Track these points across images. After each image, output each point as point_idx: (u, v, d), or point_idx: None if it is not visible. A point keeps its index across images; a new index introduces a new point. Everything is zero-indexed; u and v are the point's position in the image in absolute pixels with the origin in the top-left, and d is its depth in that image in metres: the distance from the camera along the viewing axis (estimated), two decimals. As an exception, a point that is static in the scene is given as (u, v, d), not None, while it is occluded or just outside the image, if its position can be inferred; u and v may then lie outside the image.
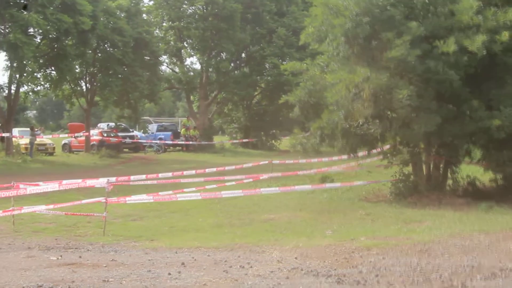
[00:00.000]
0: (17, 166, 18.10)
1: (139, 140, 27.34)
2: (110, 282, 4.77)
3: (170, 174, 11.47)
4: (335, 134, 10.77)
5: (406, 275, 4.82)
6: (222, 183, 10.94)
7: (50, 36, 19.74)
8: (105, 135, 25.72)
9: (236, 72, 29.83)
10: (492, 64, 9.72)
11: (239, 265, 5.38)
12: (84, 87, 24.75)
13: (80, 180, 9.50)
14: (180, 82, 29.10)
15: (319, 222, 8.47)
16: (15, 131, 22.96)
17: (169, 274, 5.03)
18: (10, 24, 17.98)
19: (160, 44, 26.67)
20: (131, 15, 23.66)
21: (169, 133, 28.54)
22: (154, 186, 10.61)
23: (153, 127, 30.02)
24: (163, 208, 9.96)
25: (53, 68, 21.57)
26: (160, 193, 9.37)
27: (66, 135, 26.56)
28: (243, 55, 30.40)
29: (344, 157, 12.82)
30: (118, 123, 28.06)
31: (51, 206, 8.09)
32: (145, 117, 32.61)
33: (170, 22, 28.22)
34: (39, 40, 20.17)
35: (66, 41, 20.26)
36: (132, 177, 10.50)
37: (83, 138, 24.40)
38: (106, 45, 23.27)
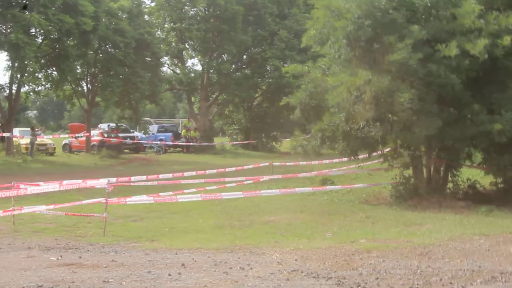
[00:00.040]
0: (17, 166, 18.11)
1: (140, 141, 27.36)
2: (110, 283, 4.77)
3: (170, 175, 11.48)
4: (336, 137, 10.81)
5: (406, 278, 4.82)
6: (222, 184, 10.94)
7: (52, 36, 19.78)
8: (105, 135, 25.74)
9: (237, 73, 29.86)
10: (494, 68, 9.74)
11: (239, 266, 5.38)
12: (85, 88, 24.79)
13: (80, 181, 9.51)
14: (181, 83, 29.12)
15: (319, 224, 8.47)
16: (16, 131, 23.00)
17: (169, 275, 5.04)
18: (11, 24, 18.02)
19: (161, 45, 26.72)
20: (133, 16, 23.71)
21: (170, 134, 28.56)
22: (155, 187, 10.61)
23: (153, 128, 30.04)
24: (163, 209, 9.97)
25: (54, 68, 21.62)
26: (160, 194, 9.38)
27: (67, 135, 26.58)
28: (245, 57, 30.43)
29: (345, 159, 12.83)
30: (119, 124, 28.07)
31: (52, 206, 8.10)
32: (145, 118, 32.63)
33: (172, 24, 28.27)
34: (40, 41, 20.22)
35: (68, 42, 20.31)
36: (132, 178, 10.51)
37: (84, 138, 24.42)
38: (107, 46, 23.32)
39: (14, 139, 20.79)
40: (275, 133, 30.85)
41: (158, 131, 29.11)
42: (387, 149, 11.56)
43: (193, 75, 29.35)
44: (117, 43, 22.12)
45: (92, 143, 24.38)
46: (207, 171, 12.39)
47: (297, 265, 5.43)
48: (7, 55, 18.89)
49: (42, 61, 20.99)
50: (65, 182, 9.48)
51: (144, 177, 10.69)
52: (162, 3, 27.92)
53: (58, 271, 5.29)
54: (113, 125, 29.49)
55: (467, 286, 4.52)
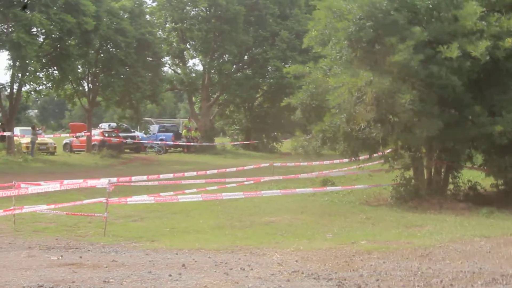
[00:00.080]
0: (18, 165, 18.13)
1: (140, 141, 27.37)
2: (110, 283, 4.78)
3: (171, 175, 11.48)
4: (337, 137, 10.80)
5: (406, 279, 4.82)
6: (223, 184, 10.94)
7: (53, 35, 19.79)
8: (106, 135, 25.75)
9: (238, 74, 29.87)
10: (495, 70, 9.74)
11: (240, 267, 5.38)
12: (86, 87, 24.80)
13: (81, 180, 9.51)
14: (182, 84, 29.14)
15: (320, 225, 8.47)
16: (17, 130, 23.00)
17: (170, 275, 5.04)
18: (13, 23, 18.04)
19: (162, 45, 26.71)
20: (134, 16, 23.72)
21: (171, 134, 28.57)
22: (155, 187, 10.61)
23: (154, 128, 30.06)
24: (164, 209, 9.97)
25: (55, 67, 21.62)
26: (161, 194, 9.39)
27: (68, 134, 26.59)
28: (246, 57, 30.43)
29: (346, 160, 12.83)
30: (120, 124, 28.08)
31: (52, 206, 8.10)
32: (146, 118, 32.64)
33: (173, 24, 28.28)
34: (42, 40, 20.22)
35: (69, 41, 20.32)
36: (133, 178, 10.52)
37: (85, 138, 24.43)
38: (109, 46, 23.32)
39: (14, 138, 20.80)
40: (275, 133, 30.85)
41: (159, 131, 29.13)
42: (388, 150, 11.56)
43: (194, 75, 29.36)
44: (118, 42, 22.12)
45: (92, 143, 24.39)
46: (208, 171, 12.40)
47: (298, 266, 5.43)
48: (8, 55, 18.94)
49: (43, 61, 21.00)
50: (65, 181, 9.49)
51: (144, 177, 10.70)
52: (164, 3, 27.94)
53: (58, 271, 5.29)
54: (114, 124, 29.50)
55: (467, 288, 4.51)
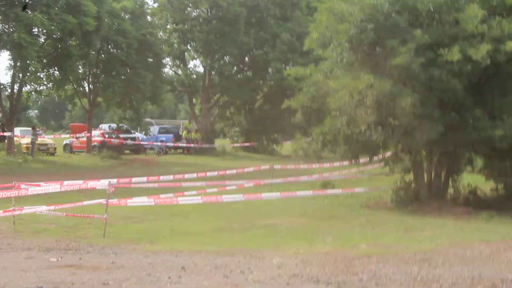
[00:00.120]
0: (18, 166, 18.14)
1: (141, 142, 27.36)
2: (110, 285, 4.77)
3: (171, 177, 11.48)
4: (337, 140, 10.81)
5: (406, 284, 4.82)
6: (223, 187, 10.94)
7: (54, 36, 19.82)
8: (106, 136, 25.75)
9: (239, 76, 29.89)
10: (496, 74, 9.75)
11: (239, 270, 5.38)
12: (86, 88, 24.82)
13: (81, 181, 9.52)
14: (183, 85, 29.17)
15: (319, 228, 8.46)
16: (17, 130, 23.01)
17: (169, 278, 5.04)
18: (14, 23, 18.07)
19: (163, 47, 26.76)
20: (135, 17, 23.77)
21: (171, 135, 28.55)
22: (155, 188, 10.61)
23: (154, 129, 30.05)
24: (164, 211, 9.97)
25: (56, 68, 21.64)
26: (161, 196, 9.40)
27: (68, 135, 26.60)
28: (246, 59, 30.44)
29: (346, 163, 12.82)
30: (120, 125, 28.09)
31: (52, 207, 8.11)
32: (147, 119, 32.64)
33: (174, 25, 28.30)
34: (43, 40, 20.26)
35: (70, 42, 20.35)
36: (133, 179, 10.52)
37: (85, 138, 24.43)
38: (109, 46, 23.36)
39: (15, 138, 20.81)
40: (276, 135, 30.84)
41: (159, 132, 29.11)
42: (388, 154, 11.56)
43: (194, 76, 29.41)
44: (119, 43, 22.16)
45: (93, 144, 24.39)
46: (208, 173, 12.40)
47: (297, 269, 5.43)
48: (9, 55, 18.97)
49: (44, 61, 21.00)
50: (65, 182, 9.51)
51: (144, 179, 10.72)
52: (165, 4, 27.99)
53: (58, 272, 5.29)
54: (114, 125, 29.51)
55: (467, 293, 4.51)
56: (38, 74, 21.13)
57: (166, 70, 29.52)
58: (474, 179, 11.68)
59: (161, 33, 28.26)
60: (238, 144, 30.14)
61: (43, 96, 26.90)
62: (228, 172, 13.09)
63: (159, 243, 7.17)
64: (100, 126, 32.43)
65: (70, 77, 22.22)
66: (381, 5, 9.72)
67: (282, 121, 28.04)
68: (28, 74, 19.69)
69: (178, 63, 30.25)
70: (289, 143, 23.48)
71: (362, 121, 9.90)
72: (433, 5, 9.78)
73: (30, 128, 24.05)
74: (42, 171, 17.22)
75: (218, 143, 30.94)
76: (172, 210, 10.00)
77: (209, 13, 27.55)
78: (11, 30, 18.44)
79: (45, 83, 22.76)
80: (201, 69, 31.12)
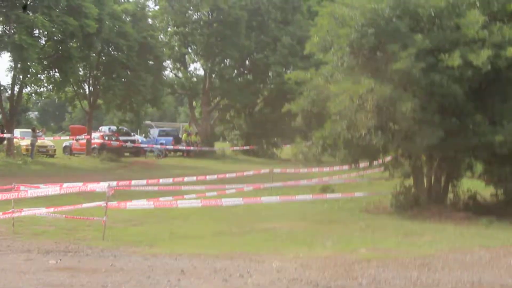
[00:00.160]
0: (17, 167, 18.15)
1: (140, 145, 27.38)
2: (109, 288, 4.78)
3: (170, 180, 11.49)
4: (337, 144, 10.84)
5: (406, 289, 4.83)
6: (222, 190, 10.95)
7: (55, 38, 19.88)
8: (106, 138, 25.77)
9: (239, 79, 29.94)
10: (497, 79, 9.78)
11: (239, 274, 5.39)
12: (87, 90, 24.87)
13: (81, 184, 9.53)
14: (183, 88, 29.20)
15: (319, 232, 8.47)
16: (17, 132, 23.03)
17: (169, 281, 5.04)
18: (15, 25, 18.12)
19: (164, 49, 26.80)
20: (136, 20, 23.83)
21: (171, 138, 28.57)
22: (155, 191, 10.62)
23: (154, 132, 30.07)
24: (163, 214, 9.97)
25: (56, 70, 21.69)
26: (160, 199, 9.41)
27: (68, 137, 26.62)
28: (247, 62, 30.51)
29: (345, 167, 12.84)
30: (120, 127, 28.11)
31: (51, 209, 8.11)
32: (147, 122, 32.69)
33: (175, 28, 28.38)
34: (44, 42, 20.31)
35: (71, 44, 20.40)
36: (133, 182, 10.54)
37: (84, 141, 24.45)
38: (110, 49, 23.42)
39: (14, 140, 20.83)
40: (276, 139, 30.86)
41: (159, 135, 29.12)
42: (388, 158, 11.58)
43: (195, 79, 29.45)
44: (120, 46, 22.21)
45: (92, 146, 24.41)
46: (208, 177, 12.41)
47: (297, 273, 5.44)
48: (10, 56, 19.02)
49: (45, 63, 21.05)
50: (65, 185, 9.52)
51: (144, 181, 10.73)
52: (166, 7, 28.06)
53: (57, 275, 5.30)
54: (114, 128, 29.54)
55: (467, 299, 4.52)
56: (39, 76, 21.19)
57: (166, 72, 29.58)
58: (474, 185, 11.70)
59: (162, 36, 28.32)
60: (238, 148, 30.15)
61: (43, 98, 26.91)
62: (227, 175, 13.11)
63: (159, 246, 7.17)
64: (100, 128, 32.49)
65: (71, 79, 22.25)
66: (382, 10, 9.77)
67: (282, 125, 28.08)
68: (28, 75, 19.74)
69: (178, 66, 30.30)
70: (289, 147, 23.50)
71: (362, 126, 9.92)
72: (434, 10, 9.83)
73: (30, 130, 24.07)
74: (41, 173, 17.23)
75: (218, 146, 30.95)
76: (172, 213, 10.00)
77: (210, 16, 27.64)
78: (12, 31, 18.49)
79: (46, 85, 22.83)
80: (201, 72, 31.21)
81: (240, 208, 10.33)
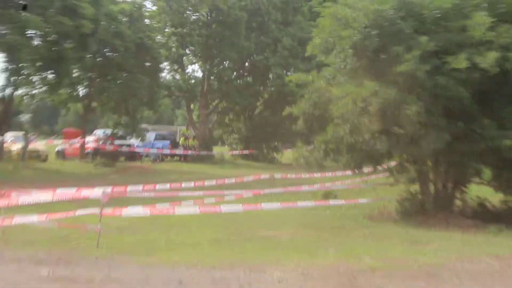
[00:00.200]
0: (8, 173, 18.08)
1: (136, 149, 27.33)
2: (103, 299, 4.73)
3: (168, 186, 11.44)
4: (340, 149, 10.80)
5: (413, 300, 4.78)
6: (221, 197, 10.90)
7: (49, 38, 19.88)
8: (100, 142, 25.73)
9: (238, 81, 30.00)
10: (504, 82, 9.76)
11: (239, 284, 5.34)
12: (81, 92, 24.87)
13: (74, 190, 9.47)
14: (181, 90, 29.23)
15: (322, 240, 8.42)
16: (8, 136, 22.99)
17: (166, 292, 5.00)
18: (8, 25, 18.11)
19: (161, 50, 26.85)
20: (133, 20, 23.87)
21: (167, 142, 28.55)
22: (151, 198, 10.57)
23: (150, 136, 30.03)
24: (160, 221, 9.90)
25: (50, 71, 21.68)
26: (157, 205, 9.35)
27: (61, 141, 26.59)
28: (247, 64, 30.57)
29: (348, 172, 12.79)
30: (115, 131, 28.09)
31: (44, 217, 8.04)
32: (143, 125, 32.67)
33: (173, 28, 28.45)
34: (37, 43, 20.31)
35: (65, 45, 20.40)
36: (128, 188, 10.48)
37: (78, 145, 24.40)
38: (106, 50, 23.44)
39: (5, 144, 20.79)
40: (276, 143, 30.86)
41: (155, 139, 29.09)
42: (393, 163, 11.54)
43: (193, 81, 29.50)
44: (116, 47, 22.24)
45: (86, 150, 24.36)
46: (206, 182, 12.35)
47: (299, 284, 5.39)
48: (2, 57, 19.03)
49: (38, 64, 21.05)
50: (58, 191, 9.43)
51: (140, 187, 10.66)
52: (164, 7, 28.15)
53: (49, 286, 5.25)
54: (109, 131, 29.52)
55: (476, 311, 4.47)
56: (32, 77, 21.19)
57: (163, 74, 29.63)
58: (483, 191, 11.65)
59: (159, 37, 28.38)
60: (237, 152, 30.13)
61: (36, 100, 26.90)
62: (226, 181, 13.05)
63: (155, 255, 7.11)
64: (94, 132, 32.42)
65: (65, 81, 22.25)
66: (385, 11, 9.76)
67: (282, 129, 28.11)
68: (21, 77, 19.72)
69: (176, 67, 30.34)
70: (290, 151, 23.47)
71: (365, 130, 9.90)
72: (439, 12, 9.82)
73: (21, 134, 24.03)
74: (33, 179, 17.16)
75: (217, 150, 30.95)
76: (169, 221, 9.94)
77: (208, 17, 27.70)
78: (5, 32, 18.48)
79: (39, 86, 22.82)
80: (199, 74, 31.32)
81: (239, 215, 10.27)
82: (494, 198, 11.38)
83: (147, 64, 24.83)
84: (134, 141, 29.61)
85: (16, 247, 7.49)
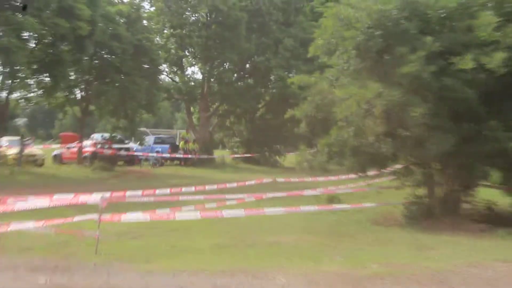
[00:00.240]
0: (4, 178, 18.09)
1: (135, 153, 27.36)
2: (103, 308, 4.70)
3: (168, 191, 11.41)
4: (344, 152, 10.79)
5: (422, 308, 4.75)
6: (223, 201, 10.87)
7: (45, 41, 19.94)
8: (99, 146, 25.75)
9: (239, 83, 30.03)
10: (512, 83, 9.75)
11: (242, 292, 5.31)
12: (78, 95, 24.90)
13: (72, 195, 9.45)
14: (180, 92, 29.27)
15: (326, 246, 8.39)
16: (3, 140, 23.02)
17: (166, 300, 4.97)
18: (3, 27, 18.16)
19: (160, 52, 26.91)
20: (131, 21, 23.92)
21: (167, 146, 28.57)
22: (151, 203, 10.55)
23: (150, 139, 30.06)
24: (160, 226, 9.89)
25: (46, 74, 21.72)
26: (157, 210, 9.33)
27: (58, 145, 26.62)
28: (247, 65, 30.63)
29: (353, 176, 12.76)
30: (113, 134, 28.12)
31: (41, 223, 8.02)
32: (141, 129, 32.71)
33: (172, 30, 28.52)
34: (33, 45, 20.36)
35: (62, 47, 20.46)
36: (127, 193, 10.46)
37: (75, 149, 24.43)
38: (103, 52, 23.48)
39: (1, 149, 20.81)
40: (278, 146, 30.87)
41: (155, 143, 29.12)
42: (398, 166, 11.52)
43: (193, 84, 29.54)
44: (113, 49, 22.27)
45: (84, 155, 24.37)
46: (207, 187, 12.33)
47: (304, 291, 5.36)
48: (-1, 60, 19.05)
49: (34, 67, 21.10)
50: (55, 196, 9.42)
51: (139, 192, 10.64)
52: (162, 8, 28.22)
53: (47, 294, 5.22)
54: (107, 135, 29.55)
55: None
56: (28, 80, 21.23)
57: (162, 77, 29.69)
58: (491, 194, 11.61)
59: (158, 38, 28.46)
60: (238, 156, 30.14)
61: (32, 104, 26.95)
62: (228, 185, 13.02)
63: (155, 262, 7.09)
64: (92, 135, 32.46)
65: (61, 84, 22.29)
66: (389, 11, 9.77)
67: (285, 132, 28.15)
68: (17, 80, 19.76)
69: (175, 69, 30.41)
70: (293, 154, 23.49)
71: (370, 132, 9.89)
72: (444, 11, 9.83)
73: (17, 138, 24.05)
74: (29, 184, 17.16)
75: (217, 154, 30.95)
76: (169, 226, 9.92)
77: (208, 18, 27.76)
78: (0, 34, 18.54)
79: (35, 90, 22.86)
80: (199, 76, 31.35)
81: (241, 220, 10.25)
82: (502, 201, 11.35)
83: (146, 66, 24.87)
84: (133, 145, 29.64)
85: (12, 254, 7.47)
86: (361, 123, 9.94)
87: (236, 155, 30.41)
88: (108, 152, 25.06)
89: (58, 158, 25.62)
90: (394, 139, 10.03)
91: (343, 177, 14.30)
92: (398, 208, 11.47)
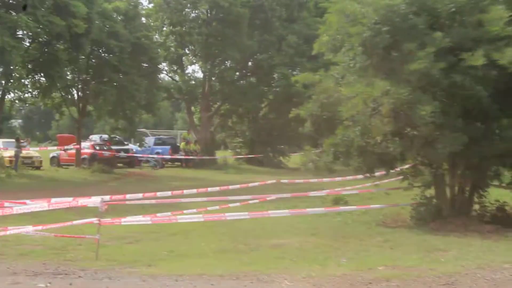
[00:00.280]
0: (0, 181, 18.24)
1: (135, 154, 27.47)
2: (105, 312, 4.79)
3: (169, 193, 11.51)
4: (350, 152, 10.83)
5: (430, 311, 4.81)
6: (225, 203, 10.96)
7: (41, 39, 20.05)
8: (97, 148, 25.87)
9: (241, 82, 30.11)
10: (525, 80, 9.77)
11: (246, 296, 5.39)
12: (75, 96, 25.02)
13: (71, 199, 9.56)
14: (180, 92, 29.38)
15: (333, 248, 8.46)
16: (-1, 142, 23.21)
17: (169, 304, 5.05)
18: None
19: (159, 50, 26.99)
20: (128, 19, 24.01)
21: (168, 147, 28.69)
22: (152, 206, 10.64)
23: (150, 140, 30.17)
24: (161, 230, 9.99)
25: (42, 74, 21.85)
26: (158, 214, 9.41)
27: (55, 147, 26.76)
28: (250, 63, 30.70)
29: (359, 176, 12.81)
30: (112, 135, 28.24)
31: (39, 227, 8.13)
32: (141, 129, 32.84)
33: (171, 27, 28.62)
34: (28, 44, 20.48)
35: (58, 46, 20.56)
36: (128, 196, 10.56)
37: (73, 151, 24.55)
38: (101, 51, 23.58)
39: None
40: (282, 147, 30.90)
41: (155, 144, 29.24)
42: (406, 166, 11.57)
43: (193, 82, 29.63)
44: (111, 47, 22.36)
45: (82, 156, 24.50)
46: (209, 189, 12.41)
47: (310, 295, 5.43)
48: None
49: (30, 66, 21.23)
50: (53, 200, 9.53)
51: (140, 195, 10.74)
52: (161, 4, 28.32)
53: (47, 299, 5.31)
54: (105, 136, 29.69)
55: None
56: (23, 80, 21.36)
57: (162, 76, 29.80)
58: (502, 194, 11.64)
59: (157, 36, 28.57)
60: (241, 156, 30.21)
61: (27, 105, 27.12)
62: (230, 187, 13.09)
63: (157, 266, 7.18)
64: (90, 137, 32.63)
65: (58, 84, 22.41)
66: (397, 6, 9.80)
67: (289, 131, 28.17)
68: (11, 80, 19.89)
69: (175, 68, 30.51)
70: (297, 155, 23.54)
71: (377, 132, 9.93)
72: (454, 6, 9.85)
73: (13, 140, 24.20)
74: (27, 187, 17.30)
75: (220, 155, 31.04)
76: (171, 230, 10.02)
77: (209, 14, 27.85)
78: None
79: (30, 90, 23.02)
80: (200, 75, 31.45)
81: (245, 223, 10.33)
82: (515, 202, 11.38)
83: (145, 65, 24.97)
84: (132, 146, 29.77)
85: (11, 260, 7.57)
86: (367, 122, 9.98)
87: (238, 156, 30.49)
88: (107, 154, 25.19)
89: (55, 160, 25.78)
90: (402, 138, 10.08)
91: (349, 178, 14.35)
92: (406, 210, 11.52)
